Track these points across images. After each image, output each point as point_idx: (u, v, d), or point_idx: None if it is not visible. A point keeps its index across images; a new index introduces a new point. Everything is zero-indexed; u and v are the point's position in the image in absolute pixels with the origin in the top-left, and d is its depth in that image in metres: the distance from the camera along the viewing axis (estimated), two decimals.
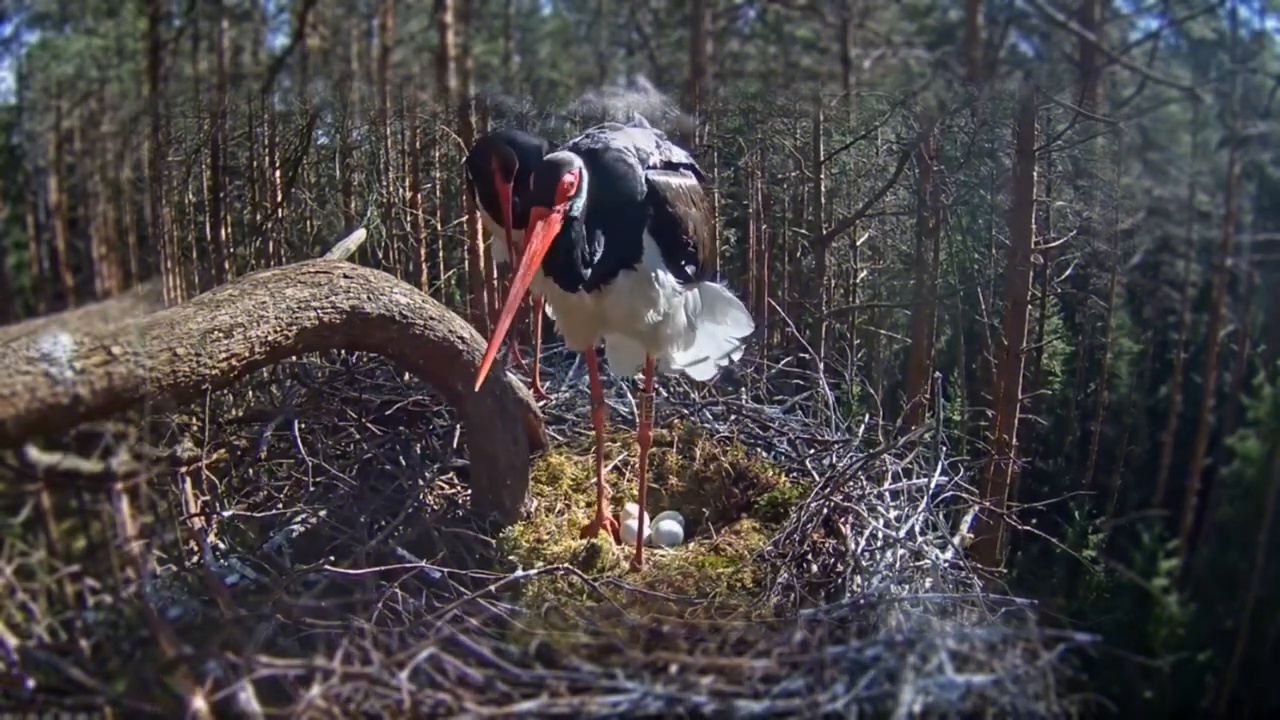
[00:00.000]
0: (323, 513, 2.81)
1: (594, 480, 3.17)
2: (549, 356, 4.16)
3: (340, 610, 2.24)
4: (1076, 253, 8.02)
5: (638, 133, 2.69)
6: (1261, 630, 8.40)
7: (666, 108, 2.89)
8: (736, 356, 3.25)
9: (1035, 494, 5.18)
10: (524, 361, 3.99)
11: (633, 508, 3.06)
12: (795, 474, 3.32)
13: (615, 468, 3.35)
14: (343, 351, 3.56)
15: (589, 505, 3.09)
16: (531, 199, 2.37)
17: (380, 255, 7.36)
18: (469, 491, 3.00)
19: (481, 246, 7.65)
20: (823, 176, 7.40)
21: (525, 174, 3.15)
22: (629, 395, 3.85)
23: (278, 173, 7.74)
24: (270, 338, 2.40)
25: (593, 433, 3.51)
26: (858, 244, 8.03)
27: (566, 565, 2.54)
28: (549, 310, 3.40)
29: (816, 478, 3.20)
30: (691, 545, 2.95)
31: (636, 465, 3.25)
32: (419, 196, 7.85)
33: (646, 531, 2.90)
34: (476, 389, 2.44)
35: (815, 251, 7.63)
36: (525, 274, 2.33)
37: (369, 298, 2.61)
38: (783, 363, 4.26)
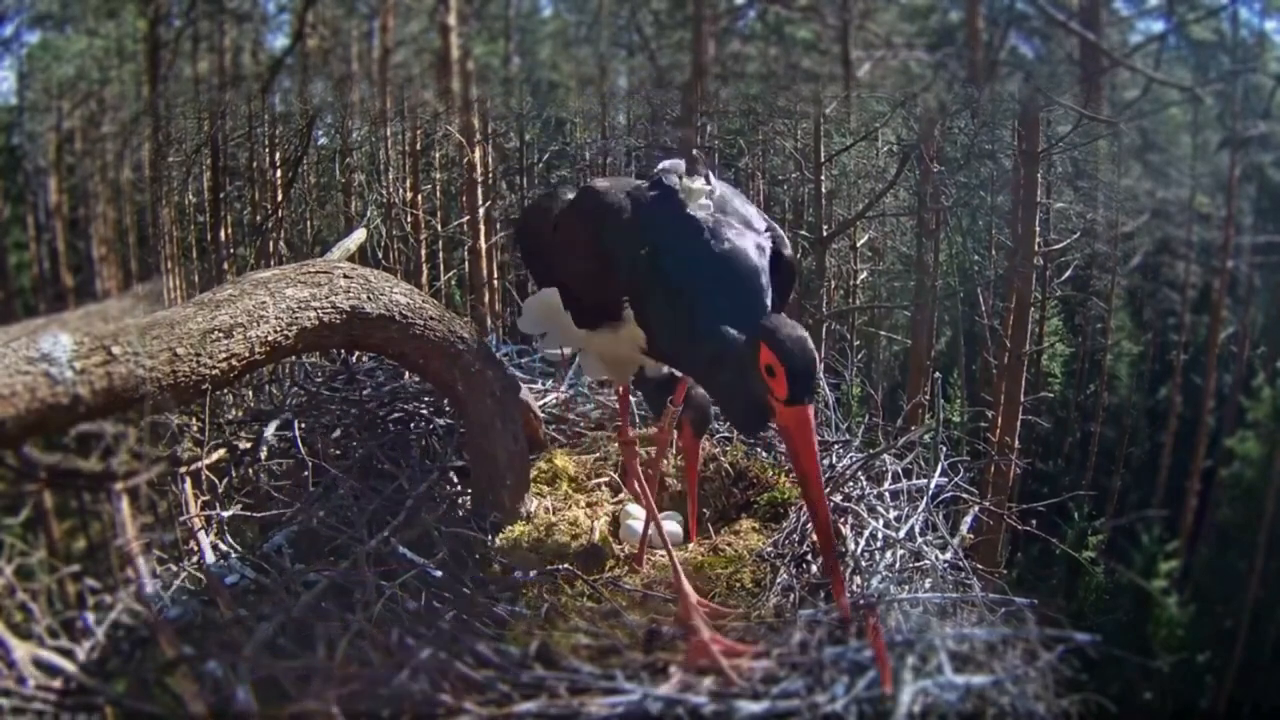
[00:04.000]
0: (322, 513, 2.81)
1: (594, 481, 3.19)
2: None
3: (340, 610, 2.24)
4: (1076, 254, 8.03)
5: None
6: (1261, 631, 8.40)
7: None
8: None
9: (1035, 495, 5.17)
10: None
11: (633, 508, 3.06)
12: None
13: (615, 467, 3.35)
14: (343, 351, 3.56)
15: (589, 505, 3.08)
16: (793, 397, 1.94)
17: (380, 255, 7.38)
18: (469, 491, 3.00)
19: (483, 247, 7.67)
20: (823, 178, 7.40)
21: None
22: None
23: (278, 173, 7.75)
24: (270, 338, 2.40)
25: (592, 433, 3.51)
26: (858, 245, 8.05)
27: (567, 566, 2.54)
28: (572, 348, 3.23)
29: None
30: (691, 545, 2.95)
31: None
32: (419, 197, 7.87)
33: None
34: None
35: (816, 253, 7.63)
36: (820, 490, 2.01)
37: (369, 298, 2.61)
38: None
